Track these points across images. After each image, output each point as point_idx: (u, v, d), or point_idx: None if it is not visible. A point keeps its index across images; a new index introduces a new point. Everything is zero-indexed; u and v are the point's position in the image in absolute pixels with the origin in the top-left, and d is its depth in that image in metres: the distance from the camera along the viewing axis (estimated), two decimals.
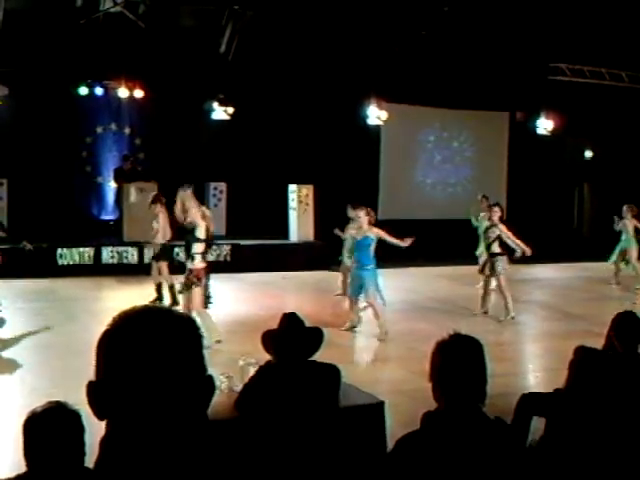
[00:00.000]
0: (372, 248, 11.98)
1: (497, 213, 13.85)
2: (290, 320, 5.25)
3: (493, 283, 14.06)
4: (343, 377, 5.39)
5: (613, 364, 3.49)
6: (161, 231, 13.98)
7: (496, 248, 13.68)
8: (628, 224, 17.36)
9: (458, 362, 3.09)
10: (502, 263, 13.62)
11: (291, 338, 5.10)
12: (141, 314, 1.73)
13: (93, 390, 1.70)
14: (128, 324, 1.71)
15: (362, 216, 12.12)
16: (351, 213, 14.44)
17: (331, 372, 5.17)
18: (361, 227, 12.15)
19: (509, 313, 13.56)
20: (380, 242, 12.20)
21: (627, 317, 5.35)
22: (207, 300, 11.01)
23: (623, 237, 17.50)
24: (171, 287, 13.75)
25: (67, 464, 3.31)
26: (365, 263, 11.98)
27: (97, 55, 17.62)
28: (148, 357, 1.65)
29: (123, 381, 1.65)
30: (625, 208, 17.60)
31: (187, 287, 10.90)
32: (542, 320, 14.48)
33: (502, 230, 13.69)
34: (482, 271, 14.12)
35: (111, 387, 1.67)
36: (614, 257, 17.76)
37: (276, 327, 5.25)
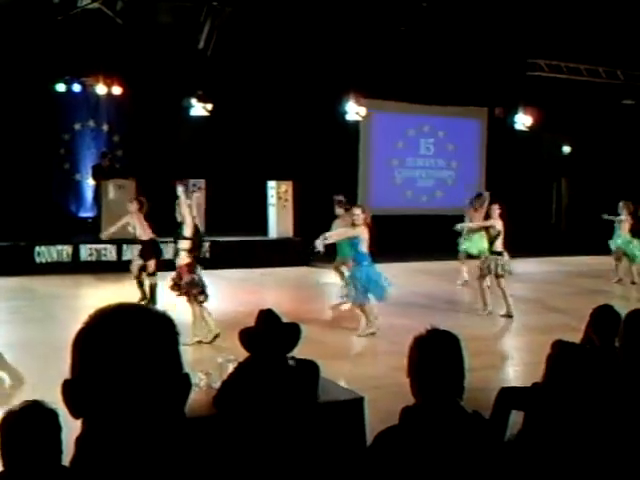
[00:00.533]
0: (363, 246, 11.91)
1: (497, 210, 13.94)
2: (266, 317, 5.25)
3: (489, 280, 14.02)
4: (323, 373, 5.40)
5: (590, 358, 3.52)
6: (140, 229, 13.88)
7: (499, 246, 13.83)
8: (624, 221, 16.84)
9: (435, 357, 3.10)
10: (506, 261, 13.87)
11: (268, 335, 5.10)
12: (117, 312, 1.72)
13: (68, 388, 1.69)
14: (103, 322, 1.70)
15: (359, 214, 11.90)
16: (338, 210, 14.44)
17: (310, 368, 5.17)
18: (354, 225, 11.95)
19: (510, 309, 13.68)
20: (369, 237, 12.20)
21: (605, 311, 5.38)
22: (204, 294, 10.95)
23: (619, 236, 16.94)
24: (153, 286, 13.63)
25: (44, 463, 3.29)
26: (362, 260, 11.91)
27: (75, 52, 17.53)
28: (123, 355, 1.65)
29: (98, 379, 1.64)
30: (621, 205, 17.01)
31: (176, 287, 10.89)
32: (521, 314, 14.52)
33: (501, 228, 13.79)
34: (488, 271, 13.89)
35: (86, 385, 1.66)
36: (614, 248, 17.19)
37: (253, 324, 5.24)
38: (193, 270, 10.92)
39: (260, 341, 5.10)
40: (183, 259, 10.87)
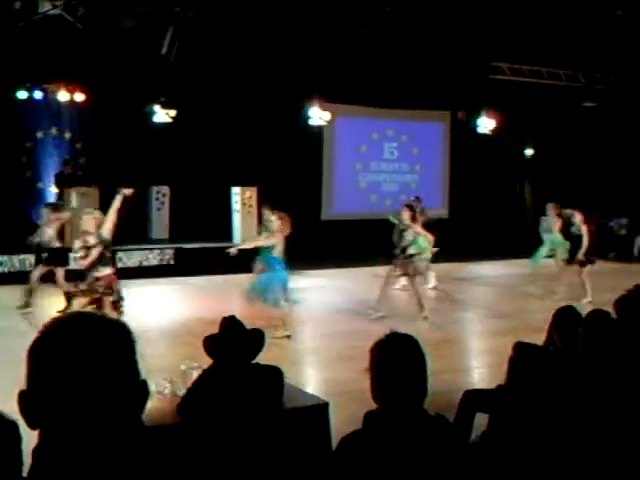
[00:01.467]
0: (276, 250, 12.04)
1: (407, 213, 13.78)
2: (230, 324, 5.24)
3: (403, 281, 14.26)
4: (287, 378, 5.40)
5: (551, 359, 3.55)
6: (55, 236, 13.88)
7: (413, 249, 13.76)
8: (553, 222, 16.84)
9: (394, 361, 3.11)
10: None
11: (231, 341, 5.10)
12: (72, 320, 1.71)
13: (24, 399, 1.68)
14: (58, 331, 1.69)
15: (274, 220, 12.21)
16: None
17: (274, 374, 5.17)
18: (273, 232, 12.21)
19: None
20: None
21: (567, 312, 5.42)
22: (119, 305, 10.93)
23: (548, 236, 16.93)
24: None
25: (4, 475, 3.26)
26: (275, 264, 12.03)
27: (36, 58, 17.36)
28: (78, 363, 1.64)
29: (54, 389, 1.63)
30: (549, 206, 17.08)
31: (91, 293, 10.88)
32: (483, 317, 14.63)
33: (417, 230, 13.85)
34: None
35: (42, 395, 1.64)
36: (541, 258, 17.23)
37: (217, 331, 5.24)
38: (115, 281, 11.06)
39: (224, 348, 5.09)
40: (103, 269, 10.87)
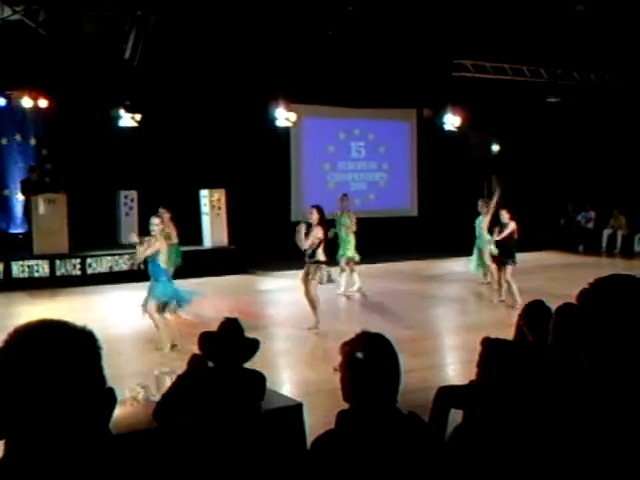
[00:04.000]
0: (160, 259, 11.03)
1: (315, 215, 12.40)
2: (230, 325, 5.26)
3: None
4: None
5: (521, 354, 3.57)
6: None
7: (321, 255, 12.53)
8: (483, 221, 16.16)
9: (365, 360, 3.11)
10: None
11: (227, 343, 5.10)
12: (35, 329, 1.70)
13: None
14: (22, 340, 1.67)
15: (154, 224, 11.00)
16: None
17: (258, 379, 5.21)
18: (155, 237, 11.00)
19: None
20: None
21: (536, 306, 5.45)
22: None
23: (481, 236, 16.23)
24: None
25: None
26: (160, 275, 11.04)
27: None
28: (43, 372, 1.62)
29: (19, 398, 1.62)
30: (480, 203, 16.49)
31: None
32: (454, 314, 14.71)
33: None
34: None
35: (6, 405, 1.63)
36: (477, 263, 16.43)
37: (216, 330, 5.26)
38: None
39: (218, 347, 5.08)
40: None
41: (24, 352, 1.65)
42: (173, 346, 10.99)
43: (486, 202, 16.45)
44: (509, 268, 14.67)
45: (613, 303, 2.04)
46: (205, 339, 5.20)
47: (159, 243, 10.90)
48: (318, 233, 12.26)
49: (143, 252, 10.93)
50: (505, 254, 14.82)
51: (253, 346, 5.29)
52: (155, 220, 11.08)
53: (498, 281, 15.05)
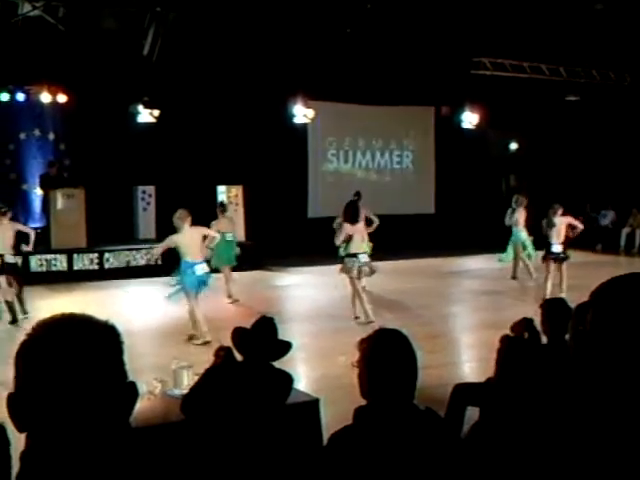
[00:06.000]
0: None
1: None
2: (264, 323, 5.32)
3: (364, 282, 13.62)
4: None
5: (539, 352, 3.56)
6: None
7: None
8: (520, 216, 17.28)
9: (384, 356, 3.11)
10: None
11: (263, 341, 5.17)
12: (59, 323, 1.70)
13: (12, 402, 1.66)
14: (46, 333, 1.68)
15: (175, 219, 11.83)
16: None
17: (285, 378, 5.26)
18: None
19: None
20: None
21: (556, 304, 5.43)
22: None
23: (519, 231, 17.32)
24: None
25: None
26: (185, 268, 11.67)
27: (18, 60, 17.26)
28: (66, 366, 1.63)
29: (42, 391, 1.62)
30: (516, 199, 17.56)
31: None
32: (474, 310, 14.67)
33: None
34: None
35: (30, 398, 1.63)
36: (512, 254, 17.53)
37: (250, 327, 5.29)
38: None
39: (251, 344, 5.12)
40: None
41: (48, 345, 1.66)
42: (191, 337, 11.34)
43: (522, 198, 17.37)
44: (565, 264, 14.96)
45: (628, 302, 2.03)
46: (238, 334, 5.21)
47: (182, 235, 11.50)
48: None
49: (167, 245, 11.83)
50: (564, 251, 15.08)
51: (284, 347, 5.33)
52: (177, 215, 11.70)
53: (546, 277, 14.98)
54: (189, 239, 11.64)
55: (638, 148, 24.08)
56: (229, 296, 15.08)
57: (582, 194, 25.27)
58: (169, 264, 18.38)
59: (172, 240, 11.78)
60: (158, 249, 13.16)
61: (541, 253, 15.60)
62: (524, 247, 17.28)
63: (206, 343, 10.83)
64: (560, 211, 14.93)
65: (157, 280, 15.37)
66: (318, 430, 5.96)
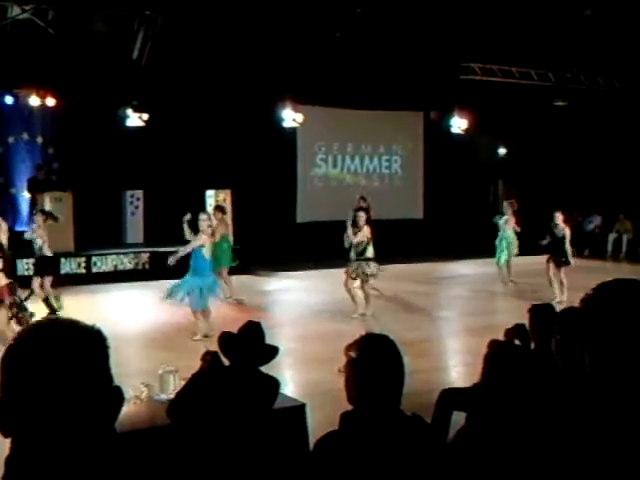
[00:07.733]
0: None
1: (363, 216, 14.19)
2: (252, 328, 5.31)
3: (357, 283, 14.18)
4: None
5: (526, 357, 3.57)
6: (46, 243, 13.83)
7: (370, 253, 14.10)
8: (509, 220, 17.87)
9: (371, 362, 3.11)
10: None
11: (250, 346, 5.16)
12: (44, 328, 1.71)
13: None
14: (31, 338, 1.68)
15: (204, 220, 12.03)
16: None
17: (272, 383, 5.25)
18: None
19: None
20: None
21: (543, 309, 5.45)
22: (21, 317, 10.82)
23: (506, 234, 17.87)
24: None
25: None
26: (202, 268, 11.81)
27: (6, 63, 17.22)
28: (51, 371, 1.63)
29: (27, 396, 1.63)
30: (506, 204, 18.22)
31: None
32: (461, 315, 14.69)
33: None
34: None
35: (14, 403, 1.63)
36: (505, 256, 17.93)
37: (237, 331, 5.28)
38: (13, 292, 10.86)
39: (239, 349, 5.12)
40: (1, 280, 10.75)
41: (33, 350, 1.66)
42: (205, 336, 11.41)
43: (511, 202, 17.95)
44: (563, 269, 15.18)
45: (616, 307, 2.04)
46: (225, 339, 5.21)
47: (204, 237, 11.65)
48: (367, 232, 13.96)
49: (190, 247, 11.73)
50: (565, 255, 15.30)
51: (272, 352, 5.33)
52: (203, 216, 11.92)
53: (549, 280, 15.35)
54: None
55: (625, 154, 24.19)
56: (230, 296, 15.06)
57: (570, 199, 25.36)
58: (156, 268, 18.45)
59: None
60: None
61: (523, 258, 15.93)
62: (507, 246, 17.56)
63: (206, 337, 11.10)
64: (561, 217, 15.53)
65: (144, 284, 15.35)
66: (304, 435, 5.96)
